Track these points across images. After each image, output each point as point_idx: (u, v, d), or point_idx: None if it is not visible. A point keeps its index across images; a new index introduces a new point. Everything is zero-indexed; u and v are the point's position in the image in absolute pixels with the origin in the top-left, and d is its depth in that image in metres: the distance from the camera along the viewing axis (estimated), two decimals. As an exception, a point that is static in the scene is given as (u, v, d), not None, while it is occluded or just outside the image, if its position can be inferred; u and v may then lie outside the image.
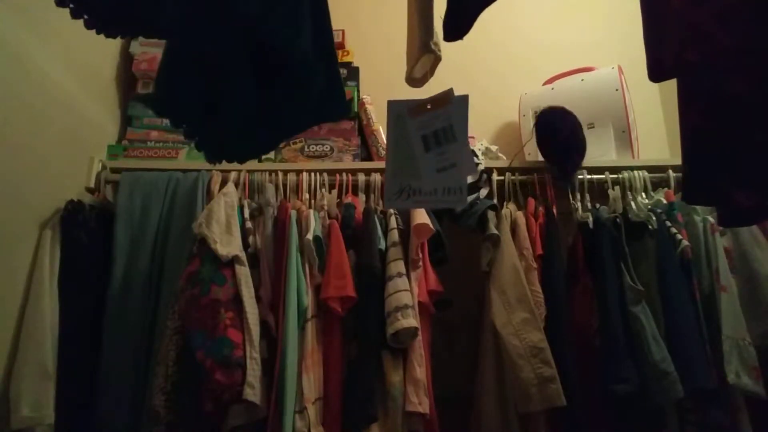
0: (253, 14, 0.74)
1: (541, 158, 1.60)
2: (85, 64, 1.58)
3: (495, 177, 1.59)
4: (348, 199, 1.53)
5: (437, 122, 0.87)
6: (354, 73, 1.84)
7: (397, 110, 0.88)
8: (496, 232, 1.43)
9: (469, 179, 1.53)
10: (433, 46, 0.92)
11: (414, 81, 1.00)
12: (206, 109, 0.83)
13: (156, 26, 0.77)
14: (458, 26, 0.84)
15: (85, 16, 0.72)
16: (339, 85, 0.93)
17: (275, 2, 0.75)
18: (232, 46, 0.77)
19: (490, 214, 1.47)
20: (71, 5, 0.70)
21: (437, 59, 0.94)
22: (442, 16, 0.85)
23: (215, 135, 0.88)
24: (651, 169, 1.55)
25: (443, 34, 0.86)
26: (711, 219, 1.42)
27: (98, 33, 0.74)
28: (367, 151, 1.76)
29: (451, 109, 0.86)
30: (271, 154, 1.73)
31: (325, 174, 1.58)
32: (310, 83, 0.83)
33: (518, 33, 2.13)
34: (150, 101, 0.95)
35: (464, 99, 0.87)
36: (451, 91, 0.87)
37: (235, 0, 0.74)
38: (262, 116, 0.86)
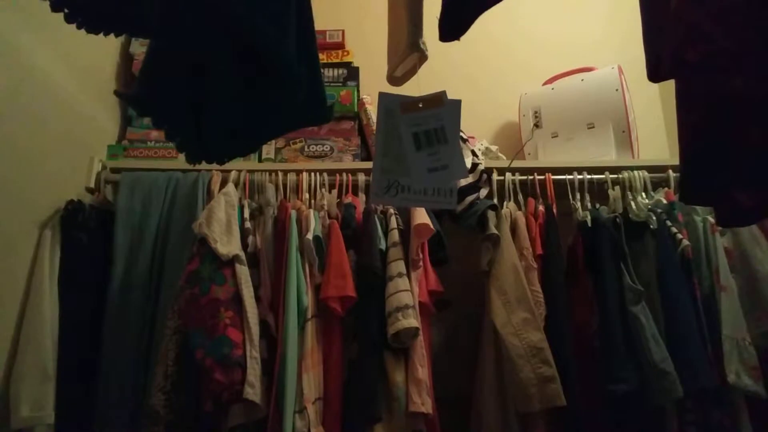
0: (239, 15, 0.73)
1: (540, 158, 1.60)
2: (85, 64, 1.58)
3: (495, 177, 1.59)
4: (348, 199, 1.53)
5: (430, 122, 0.85)
6: (354, 73, 1.84)
7: (388, 104, 0.87)
8: (496, 232, 1.43)
9: (470, 179, 1.54)
10: (421, 45, 0.91)
11: (396, 80, 0.99)
12: (188, 109, 0.82)
13: (141, 25, 0.76)
14: (456, 27, 0.83)
15: (66, 10, 0.71)
16: (321, 89, 0.91)
17: (262, 3, 0.75)
18: (217, 47, 0.76)
19: (490, 214, 1.47)
20: None
21: (423, 58, 0.93)
22: (437, 16, 0.85)
23: (197, 136, 0.87)
24: (651, 169, 1.55)
25: (439, 35, 0.85)
26: (711, 219, 1.43)
27: (79, 27, 0.73)
28: (367, 151, 1.76)
29: (444, 111, 0.85)
30: (272, 154, 1.73)
31: (325, 174, 1.58)
32: (294, 86, 0.82)
33: (518, 33, 2.13)
34: (131, 100, 0.94)
35: (457, 103, 0.86)
36: (443, 93, 0.86)
37: (220, 0, 0.73)
38: (245, 118, 0.85)
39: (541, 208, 1.51)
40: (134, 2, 0.72)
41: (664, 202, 1.48)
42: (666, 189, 1.52)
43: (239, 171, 1.54)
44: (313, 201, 1.54)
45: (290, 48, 0.78)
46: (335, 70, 1.83)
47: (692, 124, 0.58)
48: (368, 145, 1.76)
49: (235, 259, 1.32)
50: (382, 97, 0.88)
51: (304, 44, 0.82)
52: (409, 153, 0.85)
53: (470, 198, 1.51)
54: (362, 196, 1.57)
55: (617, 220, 1.45)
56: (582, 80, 1.74)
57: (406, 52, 0.92)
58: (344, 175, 1.58)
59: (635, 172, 1.53)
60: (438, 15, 0.84)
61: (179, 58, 0.76)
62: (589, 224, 1.46)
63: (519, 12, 2.10)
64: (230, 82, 0.79)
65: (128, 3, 0.73)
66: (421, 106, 0.86)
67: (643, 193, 1.51)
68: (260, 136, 0.96)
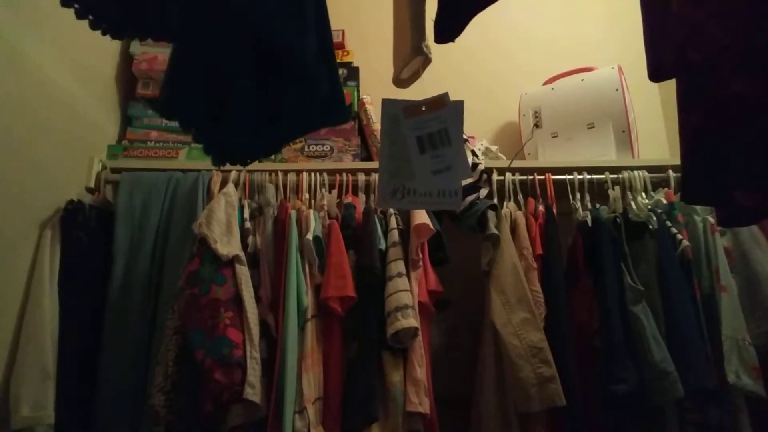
0: (260, 17, 0.74)
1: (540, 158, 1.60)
2: (85, 65, 1.58)
3: (495, 177, 1.59)
4: (348, 199, 1.53)
5: (432, 125, 0.86)
6: (354, 73, 1.85)
7: (392, 109, 0.88)
8: (495, 232, 1.43)
9: (469, 179, 1.54)
10: (425, 49, 0.92)
11: (401, 82, 1.00)
12: (213, 112, 0.82)
13: (163, 28, 0.77)
14: (450, 29, 0.84)
15: (91, 17, 0.71)
16: (340, 88, 0.93)
17: (282, 5, 0.75)
18: (239, 49, 0.76)
19: (490, 214, 1.47)
20: (76, 5, 0.70)
21: (427, 61, 0.94)
22: (433, 18, 0.85)
23: (221, 138, 0.87)
24: (651, 169, 1.55)
25: (434, 37, 0.86)
26: (711, 219, 1.42)
27: (104, 34, 0.73)
28: (367, 151, 1.76)
29: (447, 112, 0.86)
30: (271, 154, 1.73)
31: (325, 174, 1.58)
32: (315, 86, 0.83)
33: (518, 33, 2.13)
34: (157, 104, 0.95)
35: (460, 104, 0.87)
36: (446, 95, 0.87)
37: (242, 3, 0.74)
38: (267, 119, 0.86)
39: (541, 208, 1.51)
40: (157, 7, 0.72)
41: (664, 202, 1.48)
42: (666, 189, 1.52)
43: (239, 171, 1.54)
44: (313, 201, 1.54)
45: (311, 48, 0.78)
46: (335, 70, 1.83)
47: (693, 124, 0.58)
48: (368, 145, 1.76)
49: (235, 259, 1.33)
50: (386, 103, 0.88)
51: (322, 44, 0.83)
52: (413, 157, 0.86)
53: (470, 198, 1.50)
54: (362, 196, 1.57)
55: (617, 220, 1.45)
56: (582, 80, 1.74)
57: (410, 56, 0.93)
58: (344, 175, 1.58)
59: (635, 172, 1.53)
60: (433, 17, 0.85)
61: (202, 61, 0.77)
62: (589, 224, 1.45)
63: (519, 12, 2.11)
64: (253, 84, 0.79)
65: (151, 8, 0.73)
66: (424, 109, 0.87)
67: (643, 193, 1.51)
68: (283, 136, 0.97)
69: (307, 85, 0.82)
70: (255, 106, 0.82)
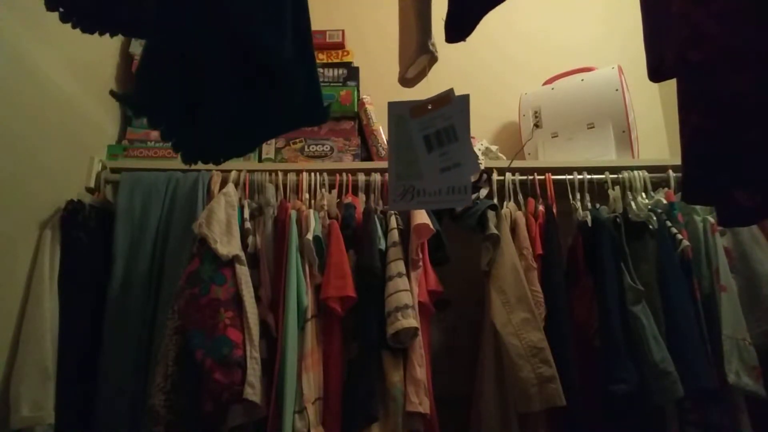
0: (237, 15, 0.73)
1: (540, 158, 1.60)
2: (85, 64, 1.58)
3: (495, 177, 1.59)
4: (348, 199, 1.53)
5: (438, 122, 0.86)
6: (354, 73, 1.84)
7: (398, 111, 0.88)
8: (495, 232, 1.43)
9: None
10: (431, 47, 0.92)
11: (407, 81, 1.00)
12: (185, 109, 0.82)
13: (136, 25, 0.76)
14: (461, 28, 0.84)
15: (61, 9, 0.70)
16: (318, 89, 0.92)
17: (259, 4, 0.75)
18: (215, 47, 0.76)
19: (490, 214, 1.47)
20: None
21: (433, 60, 0.94)
22: (443, 17, 0.85)
23: (193, 136, 0.87)
24: (651, 169, 1.55)
25: (445, 36, 0.86)
26: (711, 219, 1.43)
27: (74, 27, 0.72)
28: (367, 151, 1.76)
29: (452, 108, 0.86)
30: (272, 154, 1.73)
31: (325, 174, 1.58)
32: (292, 87, 0.83)
33: (518, 33, 2.13)
34: (127, 101, 0.94)
35: (465, 98, 0.86)
36: (451, 90, 0.87)
37: (219, 2, 0.73)
38: (242, 118, 0.85)
39: (541, 208, 1.51)
40: (131, 2, 0.72)
41: (664, 202, 1.48)
42: (666, 189, 1.52)
43: (239, 171, 1.54)
44: (313, 201, 1.54)
45: (288, 49, 0.78)
46: (335, 70, 1.83)
47: (693, 124, 0.58)
48: (368, 145, 1.76)
49: (235, 259, 1.33)
50: (392, 106, 0.89)
51: (301, 44, 0.82)
52: (420, 156, 0.86)
53: (470, 198, 1.50)
54: (362, 196, 1.57)
55: (617, 220, 1.45)
56: (582, 80, 1.74)
57: (416, 54, 0.93)
58: (344, 175, 1.58)
59: (635, 172, 1.53)
60: (444, 17, 0.85)
61: (176, 58, 0.76)
62: (589, 224, 1.46)
63: (519, 12, 2.10)
64: (228, 83, 0.79)
65: (124, 3, 0.72)
66: (430, 107, 0.87)
67: (643, 193, 1.51)
68: (257, 136, 0.96)
69: (283, 85, 0.81)
70: (230, 104, 0.81)
